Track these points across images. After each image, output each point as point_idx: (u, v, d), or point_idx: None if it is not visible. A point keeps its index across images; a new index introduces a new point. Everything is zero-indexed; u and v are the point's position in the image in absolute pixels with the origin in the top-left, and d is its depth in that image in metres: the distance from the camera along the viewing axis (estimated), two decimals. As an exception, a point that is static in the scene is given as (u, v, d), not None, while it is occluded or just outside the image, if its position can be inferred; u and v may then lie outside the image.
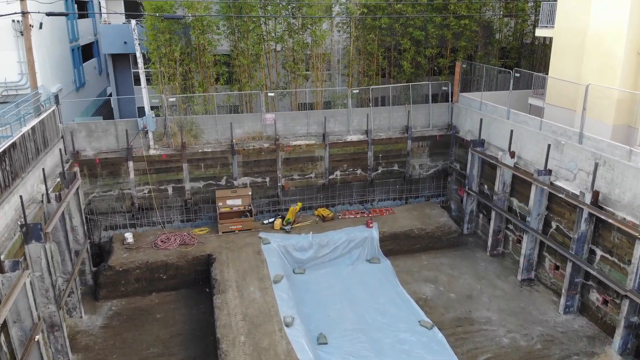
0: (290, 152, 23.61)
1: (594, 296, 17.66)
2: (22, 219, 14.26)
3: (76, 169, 20.37)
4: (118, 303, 19.46)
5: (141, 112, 22.92)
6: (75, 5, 29.82)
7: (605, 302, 17.21)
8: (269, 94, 24.55)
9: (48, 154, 18.47)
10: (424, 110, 25.23)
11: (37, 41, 21.79)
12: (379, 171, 25.18)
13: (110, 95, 30.90)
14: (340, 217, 23.64)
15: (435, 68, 27.72)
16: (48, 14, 19.74)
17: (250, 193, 22.98)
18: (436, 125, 25.54)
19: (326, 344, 16.59)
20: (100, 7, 28.07)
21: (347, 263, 21.65)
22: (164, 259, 20.06)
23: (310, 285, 20.14)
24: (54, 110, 19.88)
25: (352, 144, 24.36)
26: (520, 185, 20.86)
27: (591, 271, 17.10)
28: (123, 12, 27.20)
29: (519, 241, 21.14)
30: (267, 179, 23.70)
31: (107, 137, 21.51)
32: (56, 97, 20.59)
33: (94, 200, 21.83)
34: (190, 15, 22.74)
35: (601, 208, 16.64)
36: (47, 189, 16.25)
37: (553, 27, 22.35)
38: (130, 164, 21.72)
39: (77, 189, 19.04)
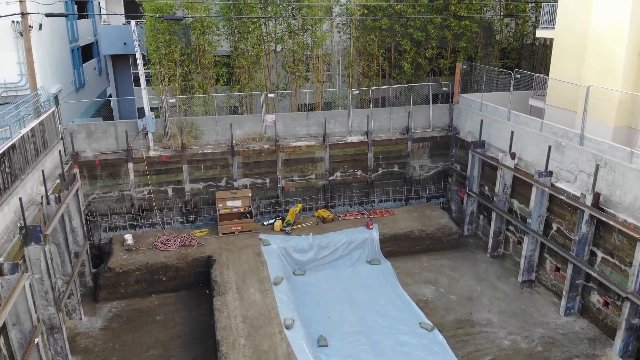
0: (291, 153, 23.56)
1: (595, 298, 17.62)
2: (22, 221, 14.21)
3: (76, 170, 20.32)
4: (118, 305, 19.42)
5: (141, 113, 22.89)
6: (75, 6, 29.77)
7: (606, 304, 17.17)
8: (269, 95, 24.52)
9: (47, 156, 18.41)
10: (424, 111, 25.20)
11: (37, 42, 21.75)
12: (379, 172, 25.15)
13: (110, 96, 30.86)
14: (340, 218, 23.60)
15: (436, 69, 27.69)
16: (47, 15, 19.68)
17: (250, 194, 22.94)
18: (436, 126, 25.50)
19: (326, 346, 16.55)
20: (100, 7, 28.02)
21: (347, 264, 21.61)
22: (163, 260, 20.02)
23: (311, 287, 20.10)
24: (53, 112, 19.84)
25: (352, 145, 24.32)
26: (520, 186, 20.82)
27: (592, 273, 17.06)
28: (123, 13, 27.16)
29: (520, 243, 21.10)
30: (267, 180, 23.66)
31: (106, 139, 21.47)
32: (56, 98, 20.54)
33: (94, 201, 21.79)
34: (190, 16, 22.69)
35: (602, 210, 16.59)
36: (46, 191, 16.20)
37: (554, 28, 22.31)
38: (130, 165, 21.68)
39: (77, 190, 19.00)
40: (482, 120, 22.96)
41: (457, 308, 18.95)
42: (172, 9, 22.75)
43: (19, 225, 14.21)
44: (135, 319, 18.62)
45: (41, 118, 18.19)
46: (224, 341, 15.42)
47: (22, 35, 20.55)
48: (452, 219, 24.46)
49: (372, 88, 25.38)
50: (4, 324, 12.35)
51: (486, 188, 23.25)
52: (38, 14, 20.52)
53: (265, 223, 22.90)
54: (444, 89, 26.26)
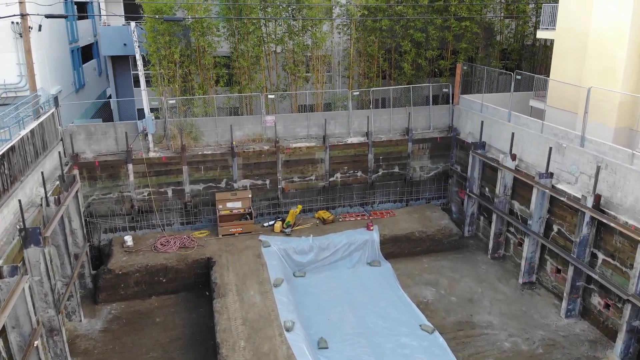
0: (291, 154, 23.52)
1: (596, 300, 17.57)
2: (21, 223, 14.17)
3: (75, 171, 20.29)
4: (117, 306, 19.38)
5: (141, 114, 22.83)
6: (75, 7, 29.74)
7: (607, 306, 17.12)
8: (269, 96, 24.48)
9: (47, 157, 18.37)
10: (424, 112, 25.16)
11: (36, 43, 21.73)
12: (380, 173, 25.11)
13: (110, 97, 30.82)
14: (340, 219, 23.56)
15: (436, 70, 27.65)
16: (47, 16, 19.66)
17: (250, 196, 22.90)
18: (437, 127, 25.47)
19: (327, 348, 16.51)
20: (99, 8, 27.96)
21: (347, 266, 21.57)
22: (163, 262, 19.98)
23: (311, 289, 20.06)
24: (53, 113, 19.79)
25: (352, 146, 24.28)
26: (521, 188, 20.78)
27: (593, 275, 17.02)
28: (123, 14, 27.12)
29: (520, 244, 21.06)
30: (267, 182, 23.62)
31: (106, 140, 21.43)
32: (55, 99, 20.50)
33: (94, 203, 21.75)
34: (190, 17, 22.65)
35: (603, 212, 16.55)
36: (46, 193, 16.16)
37: (554, 29, 22.26)
38: (130, 166, 21.64)
39: (77, 192, 18.95)
40: (482, 122, 22.91)
41: (457, 310, 18.91)
42: (172, 10, 22.71)
43: (18, 227, 14.16)
44: (135, 321, 18.58)
45: (41, 119, 18.14)
46: (224, 343, 15.38)
47: (21, 36, 20.52)
48: (453, 220, 24.40)
49: (372, 89, 25.34)
50: (4, 327, 12.30)
51: (487, 189, 23.21)
52: (38, 15, 20.50)
53: (266, 224, 22.86)
54: (445, 90, 26.23)
